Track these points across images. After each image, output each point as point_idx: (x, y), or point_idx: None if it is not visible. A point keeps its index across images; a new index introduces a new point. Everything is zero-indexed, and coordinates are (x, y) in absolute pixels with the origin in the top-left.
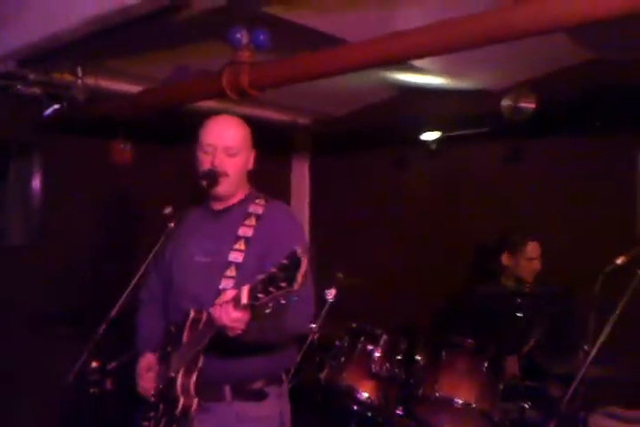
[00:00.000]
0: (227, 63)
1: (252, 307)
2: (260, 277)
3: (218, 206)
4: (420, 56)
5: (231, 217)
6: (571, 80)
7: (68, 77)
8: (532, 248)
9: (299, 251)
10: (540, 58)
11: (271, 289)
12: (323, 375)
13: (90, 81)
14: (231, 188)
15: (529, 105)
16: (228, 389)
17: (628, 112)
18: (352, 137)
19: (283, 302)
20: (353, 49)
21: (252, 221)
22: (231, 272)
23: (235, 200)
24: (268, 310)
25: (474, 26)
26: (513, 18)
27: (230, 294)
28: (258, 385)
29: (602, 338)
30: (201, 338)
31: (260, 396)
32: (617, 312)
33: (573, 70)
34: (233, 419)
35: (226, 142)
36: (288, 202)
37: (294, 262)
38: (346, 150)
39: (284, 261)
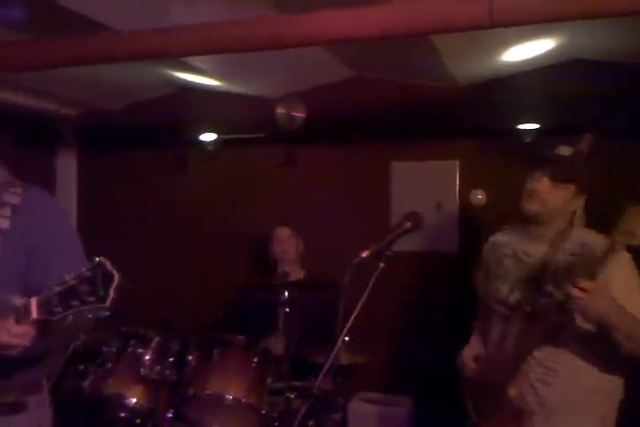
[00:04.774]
0: None
1: (47, 322)
2: (56, 289)
3: None
4: (188, 54)
5: None
6: (335, 94)
7: None
8: (279, 231)
9: (107, 264)
10: (309, 72)
11: (73, 303)
12: (86, 384)
13: None
14: None
15: (300, 114)
16: None
17: (382, 127)
18: (127, 133)
19: (90, 316)
20: (116, 39)
21: (7, 212)
22: None
23: None
24: (65, 325)
25: (239, 30)
26: (276, 28)
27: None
28: (12, 396)
29: (348, 326)
30: None
31: (15, 409)
32: (361, 301)
33: (337, 86)
34: None
35: None
36: None
37: (103, 276)
38: (120, 147)
39: (87, 273)
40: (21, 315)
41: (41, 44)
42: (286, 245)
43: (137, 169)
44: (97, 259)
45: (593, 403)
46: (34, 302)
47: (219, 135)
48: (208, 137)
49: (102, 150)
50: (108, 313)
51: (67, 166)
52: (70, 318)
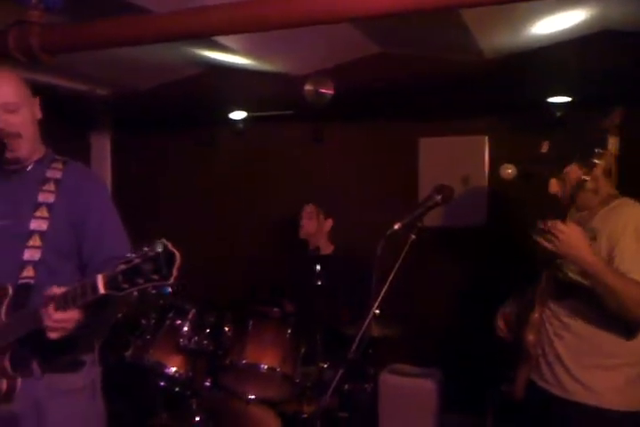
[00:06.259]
0: (13, 22)
1: (112, 296)
2: (122, 267)
3: (8, 166)
4: (223, 33)
5: (26, 180)
6: (362, 71)
7: None
8: (304, 208)
9: (169, 245)
10: (336, 49)
11: (139, 280)
12: (128, 354)
13: None
14: (30, 147)
15: (328, 91)
16: (36, 363)
17: (410, 103)
18: (158, 112)
19: (153, 291)
20: (154, 19)
21: (52, 187)
22: (35, 242)
23: (30, 161)
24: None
25: (267, 9)
26: (303, 5)
27: (50, 293)
28: (72, 355)
29: (379, 299)
30: (19, 327)
31: (74, 366)
32: (392, 274)
33: (364, 62)
34: (43, 395)
35: (2, 99)
36: None
37: (166, 256)
38: (152, 126)
39: (151, 253)
40: (88, 291)
41: (75, 26)
42: (306, 220)
43: (168, 147)
44: (160, 240)
45: (613, 365)
46: (100, 278)
47: (248, 113)
48: (237, 115)
49: (135, 129)
50: (170, 290)
51: (101, 145)
52: (135, 293)
